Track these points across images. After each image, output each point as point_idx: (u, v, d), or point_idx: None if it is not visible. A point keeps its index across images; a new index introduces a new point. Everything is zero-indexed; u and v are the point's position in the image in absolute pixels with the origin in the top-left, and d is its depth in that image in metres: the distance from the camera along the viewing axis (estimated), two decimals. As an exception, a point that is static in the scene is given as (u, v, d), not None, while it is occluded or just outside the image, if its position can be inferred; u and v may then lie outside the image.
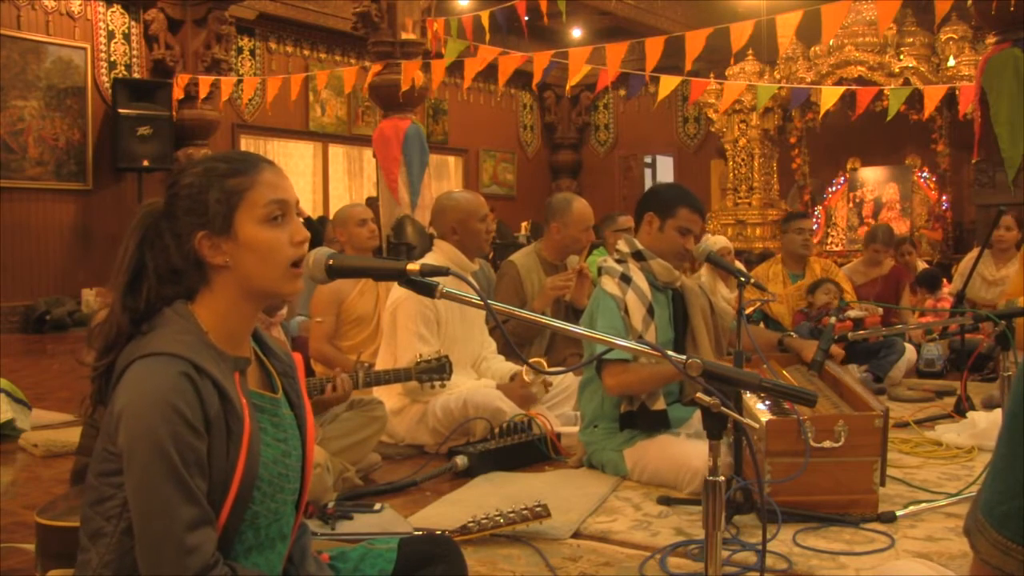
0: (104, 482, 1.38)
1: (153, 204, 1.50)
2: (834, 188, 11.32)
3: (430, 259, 3.86)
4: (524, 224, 12.52)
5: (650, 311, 3.25)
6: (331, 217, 8.61)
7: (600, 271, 3.42)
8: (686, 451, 3.16)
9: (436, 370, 3.40)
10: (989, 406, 4.30)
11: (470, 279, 1.62)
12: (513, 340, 4.33)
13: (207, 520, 1.33)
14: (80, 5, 9.63)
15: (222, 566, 1.34)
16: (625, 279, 3.29)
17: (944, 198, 10.57)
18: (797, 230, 5.53)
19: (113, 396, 1.37)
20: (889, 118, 7.55)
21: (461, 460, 3.40)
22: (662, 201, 3.35)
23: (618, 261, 3.39)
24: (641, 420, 3.23)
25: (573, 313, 4.45)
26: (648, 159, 15.60)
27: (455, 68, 8.62)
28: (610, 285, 3.29)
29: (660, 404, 3.23)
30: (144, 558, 1.32)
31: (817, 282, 5.36)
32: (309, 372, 4.08)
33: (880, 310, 5.38)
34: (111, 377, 1.41)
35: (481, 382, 3.93)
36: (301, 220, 8.65)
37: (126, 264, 1.45)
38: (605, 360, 3.18)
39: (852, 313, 4.98)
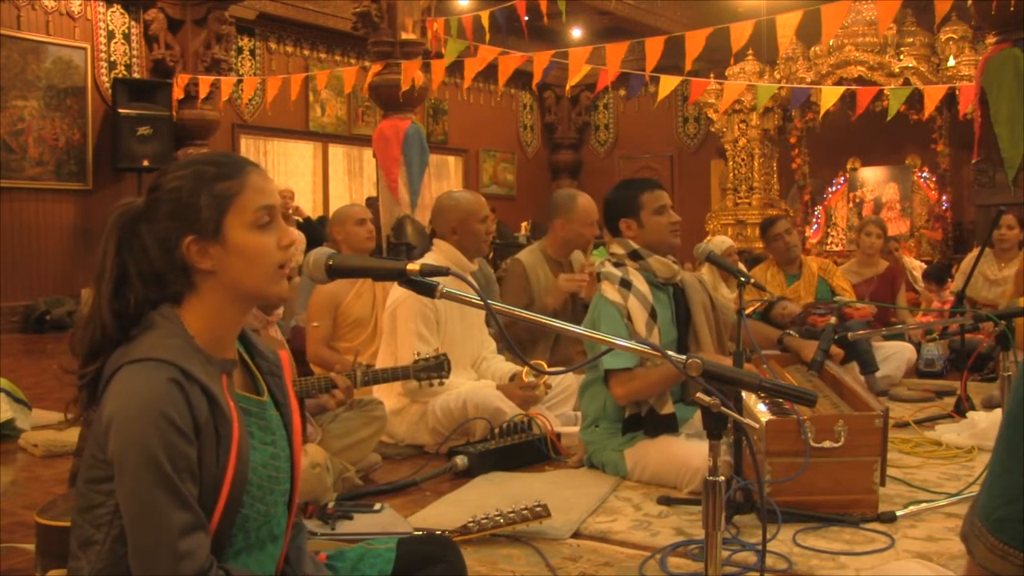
0: (93, 489, 1.37)
1: (128, 205, 1.47)
2: (834, 188, 11.32)
3: (429, 259, 3.86)
4: (524, 224, 12.51)
5: (652, 314, 3.24)
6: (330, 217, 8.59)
7: (599, 276, 3.39)
8: (686, 450, 3.16)
9: (434, 368, 3.41)
10: (989, 406, 4.30)
11: (470, 279, 1.62)
12: (515, 341, 4.33)
13: (200, 525, 1.32)
14: (80, 5, 9.63)
15: (216, 569, 1.33)
16: (625, 284, 3.27)
17: (944, 198, 10.57)
18: (775, 237, 5.42)
19: (102, 403, 1.36)
20: (889, 118, 7.54)
21: (461, 460, 3.40)
22: (623, 205, 3.35)
23: (615, 264, 3.37)
24: (648, 424, 3.23)
25: (585, 309, 4.43)
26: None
27: (455, 68, 8.61)
28: (611, 292, 3.27)
29: (669, 408, 3.23)
30: (138, 565, 1.31)
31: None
32: (307, 374, 4.08)
33: (874, 309, 5.36)
34: (99, 383, 1.40)
35: (481, 382, 3.93)
36: (300, 220, 8.54)
37: (108, 269, 1.43)
38: (610, 371, 3.18)
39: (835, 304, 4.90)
